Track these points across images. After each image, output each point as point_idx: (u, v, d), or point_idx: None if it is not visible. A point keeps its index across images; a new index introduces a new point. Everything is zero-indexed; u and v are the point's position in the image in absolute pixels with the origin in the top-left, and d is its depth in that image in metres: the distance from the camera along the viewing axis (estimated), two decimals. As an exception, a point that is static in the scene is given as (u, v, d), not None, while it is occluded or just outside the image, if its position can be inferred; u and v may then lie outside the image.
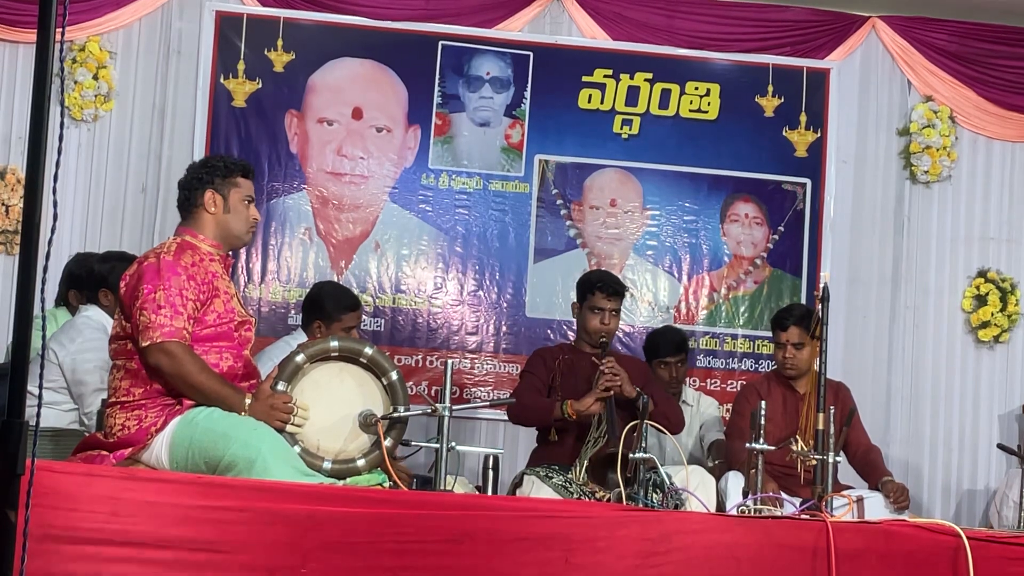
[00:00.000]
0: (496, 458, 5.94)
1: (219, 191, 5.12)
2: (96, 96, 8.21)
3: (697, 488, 5.84)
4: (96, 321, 6.42)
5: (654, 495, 5.54)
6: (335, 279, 8.26)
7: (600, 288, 6.68)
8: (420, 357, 8.48)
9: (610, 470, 5.81)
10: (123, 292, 4.96)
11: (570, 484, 6.17)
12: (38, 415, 3.27)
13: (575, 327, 7.04)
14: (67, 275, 6.75)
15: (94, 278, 6.54)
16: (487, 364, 8.55)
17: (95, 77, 8.19)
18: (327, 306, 6.90)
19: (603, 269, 8.08)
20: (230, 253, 5.27)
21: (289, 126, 8.51)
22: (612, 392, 6.27)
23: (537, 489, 6.20)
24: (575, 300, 6.88)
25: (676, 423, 6.56)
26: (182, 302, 4.84)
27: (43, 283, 3.01)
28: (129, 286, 4.93)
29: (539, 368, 6.69)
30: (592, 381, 6.38)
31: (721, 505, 6.22)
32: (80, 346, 6.29)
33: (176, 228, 5.19)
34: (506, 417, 7.02)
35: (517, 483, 6.45)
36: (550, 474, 6.26)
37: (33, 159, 3.04)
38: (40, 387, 3.34)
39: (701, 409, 7.77)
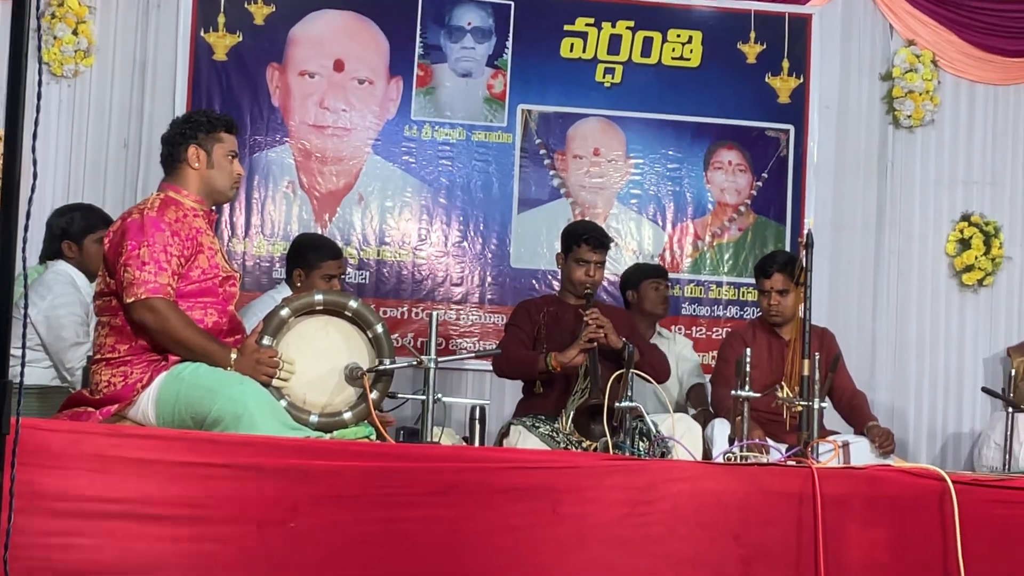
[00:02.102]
0: (483, 409, 5.96)
1: (202, 146, 5.11)
2: (76, 52, 8.16)
3: (683, 436, 5.86)
4: (65, 275, 6.42)
5: (640, 444, 5.57)
6: (319, 232, 8.25)
7: (586, 240, 6.68)
8: (405, 309, 8.47)
9: (593, 422, 5.83)
10: (107, 249, 4.95)
11: (557, 434, 6.19)
12: (21, 374, 3.27)
13: (560, 277, 7.03)
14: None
15: (54, 233, 6.54)
16: (472, 315, 8.55)
17: (74, 32, 8.13)
18: (306, 255, 6.90)
19: (588, 220, 8.07)
20: (214, 208, 5.25)
21: (271, 79, 8.47)
22: (596, 344, 6.27)
23: (524, 439, 6.22)
24: (560, 251, 6.87)
25: (662, 372, 6.57)
26: (166, 258, 4.83)
27: (24, 241, 3.01)
28: (113, 243, 4.92)
29: (523, 321, 6.69)
30: (577, 332, 6.39)
31: (707, 452, 6.24)
32: (51, 302, 6.29)
33: (159, 184, 5.18)
34: (492, 368, 7.02)
35: (504, 433, 6.46)
36: (537, 424, 6.28)
37: (11, 117, 3.03)
38: (23, 346, 3.34)
39: (678, 348, 7.80)
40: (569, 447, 6.08)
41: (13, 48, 3.05)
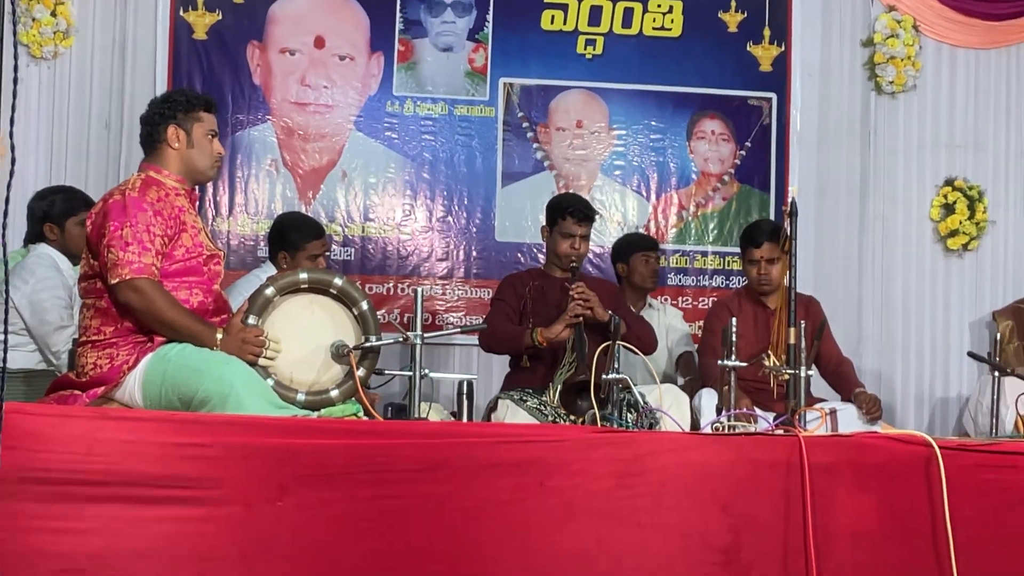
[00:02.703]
0: (470, 384, 5.96)
1: (182, 126, 5.10)
2: (55, 33, 8.12)
3: (670, 407, 5.87)
4: (47, 258, 6.42)
5: (628, 415, 5.57)
6: (303, 210, 8.25)
7: (571, 213, 6.67)
8: (391, 285, 8.47)
9: (580, 398, 5.83)
10: (90, 231, 4.95)
11: (545, 407, 6.19)
12: (4, 358, 3.26)
13: (545, 250, 7.03)
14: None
15: (36, 216, 6.53)
16: (458, 290, 8.55)
17: (53, 14, 8.09)
18: (290, 236, 6.91)
19: (572, 192, 8.06)
20: (195, 188, 5.24)
21: (251, 57, 8.44)
22: (581, 318, 6.27)
23: (512, 413, 6.22)
24: (544, 224, 6.87)
25: (648, 344, 6.57)
26: (150, 238, 4.82)
27: (4, 227, 3.00)
28: (95, 224, 4.91)
29: (509, 295, 6.69)
30: (563, 306, 6.39)
31: (695, 423, 6.25)
32: (34, 286, 6.30)
33: (140, 164, 5.17)
34: (478, 343, 7.02)
35: (492, 407, 6.46)
36: (524, 397, 6.28)
37: (-11, 101, 3.02)
38: (5, 331, 3.33)
39: (668, 319, 7.81)
40: (557, 420, 6.08)
41: (-10, 32, 3.03)
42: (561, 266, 6.70)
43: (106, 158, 8.23)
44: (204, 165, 5.15)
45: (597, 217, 7.13)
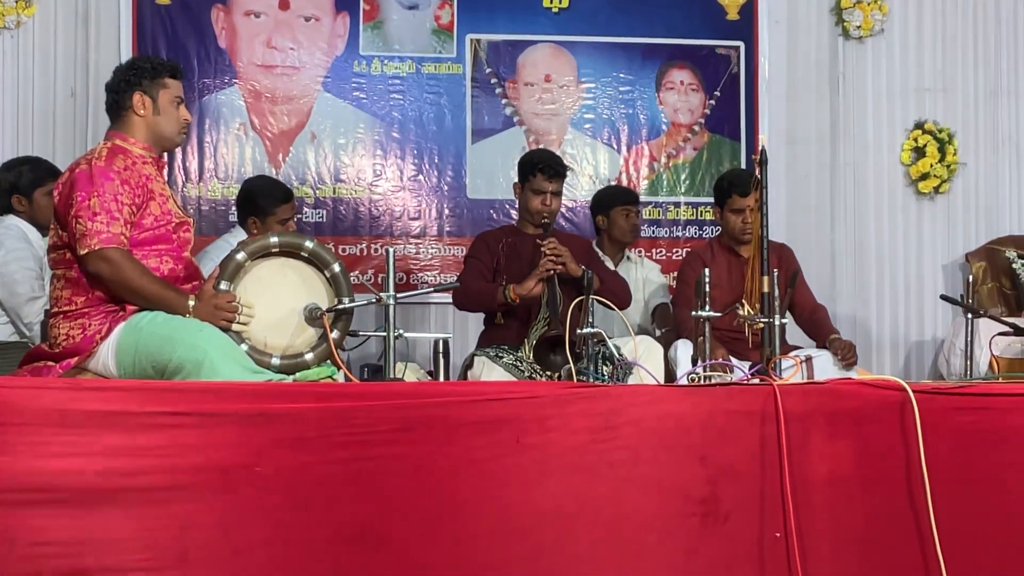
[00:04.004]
0: (446, 342, 5.96)
1: (148, 93, 5.08)
2: (17, 2, 8.08)
3: (645, 358, 5.87)
4: (16, 229, 6.42)
5: (604, 368, 5.58)
6: (273, 173, 8.22)
7: (541, 170, 6.67)
8: (364, 246, 8.46)
9: (553, 353, 5.83)
10: (57, 201, 4.93)
11: (520, 363, 6.20)
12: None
13: (517, 207, 7.02)
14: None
15: (3, 187, 6.52)
16: (432, 248, 8.54)
17: (14, -18, 8.07)
18: (259, 202, 6.90)
19: (543, 148, 8.02)
20: (163, 155, 5.22)
21: (216, 21, 8.39)
22: (553, 273, 6.27)
23: (488, 370, 6.24)
24: (516, 181, 6.86)
25: (622, 298, 6.58)
26: (118, 207, 4.81)
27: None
28: (63, 195, 4.89)
29: (482, 253, 6.70)
30: (536, 262, 6.39)
31: (671, 374, 6.26)
32: (4, 258, 6.31)
33: (106, 132, 5.15)
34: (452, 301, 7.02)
35: (468, 365, 6.47)
36: (500, 354, 6.29)
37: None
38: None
39: (645, 272, 7.81)
40: (533, 376, 6.10)
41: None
42: (534, 222, 6.70)
43: (72, 127, 8.21)
44: (171, 132, 5.13)
45: (568, 172, 7.11)
